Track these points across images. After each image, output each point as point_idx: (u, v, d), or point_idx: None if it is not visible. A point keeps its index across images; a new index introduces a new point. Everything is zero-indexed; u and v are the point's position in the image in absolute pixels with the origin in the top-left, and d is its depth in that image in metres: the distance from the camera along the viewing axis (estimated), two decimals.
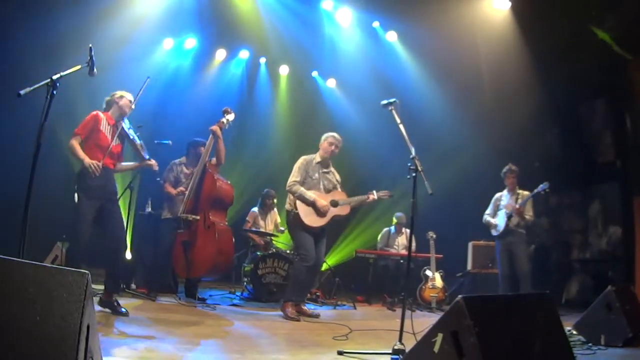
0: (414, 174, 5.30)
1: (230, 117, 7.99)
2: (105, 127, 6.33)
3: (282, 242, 10.40)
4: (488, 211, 9.51)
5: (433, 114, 11.66)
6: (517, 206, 8.97)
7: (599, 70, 10.36)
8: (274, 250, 9.43)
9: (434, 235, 10.03)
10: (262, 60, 13.40)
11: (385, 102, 5.89)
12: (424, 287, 9.79)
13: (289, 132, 13.44)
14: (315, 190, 7.64)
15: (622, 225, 10.32)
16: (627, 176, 10.25)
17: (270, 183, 10.93)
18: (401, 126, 5.64)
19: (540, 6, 10.17)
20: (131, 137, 6.54)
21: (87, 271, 3.22)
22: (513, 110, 11.11)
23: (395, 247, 10.89)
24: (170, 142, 8.20)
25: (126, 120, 6.56)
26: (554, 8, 9.88)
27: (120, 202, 8.79)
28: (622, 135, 10.46)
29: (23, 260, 3.17)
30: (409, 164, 5.41)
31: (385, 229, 11.16)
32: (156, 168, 6.93)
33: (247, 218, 10.27)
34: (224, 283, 10.13)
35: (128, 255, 9.00)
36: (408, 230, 10.86)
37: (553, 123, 11.82)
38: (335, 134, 7.89)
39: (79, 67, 5.15)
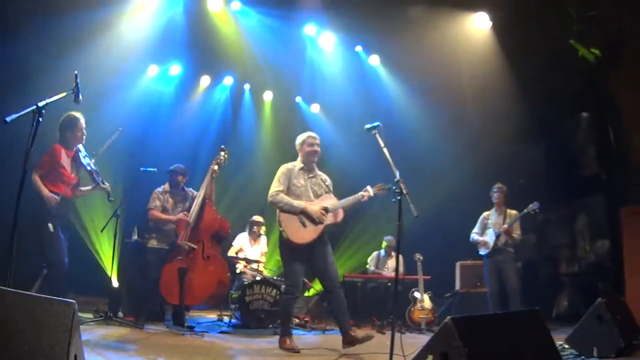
0: (399, 197, 5.34)
1: (226, 155, 8.21)
2: (65, 161, 6.61)
3: (269, 268, 10.36)
4: (475, 230, 9.55)
5: (418, 135, 11.72)
6: (506, 226, 9.02)
7: (580, 85, 10.49)
8: (261, 276, 9.31)
9: (422, 257, 10.05)
10: (247, 86, 13.42)
11: (369, 126, 5.97)
12: (412, 308, 9.79)
13: (274, 158, 13.36)
14: (305, 199, 6.82)
15: (610, 237, 10.39)
16: (613, 188, 10.33)
17: (261, 210, 10.89)
18: (385, 150, 5.69)
19: (521, 23, 10.30)
20: (86, 165, 6.67)
21: (73, 300, 3.22)
22: (497, 128, 11.19)
23: (385, 269, 10.91)
24: (155, 169, 8.23)
25: (82, 148, 6.69)
26: (534, 24, 10.03)
27: (107, 231, 8.85)
28: (606, 148, 10.55)
29: (11, 289, 3.17)
30: (394, 187, 5.46)
31: (375, 252, 11.21)
32: (109, 190, 7.15)
33: (233, 243, 10.20)
34: (211, 310, 10.08)
35: (114, 283, 8.97)
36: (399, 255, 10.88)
37: (537, 139, 11.90)
38: (310, 133, 7.28)
39: (64, 94, 5.15)
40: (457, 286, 10.65)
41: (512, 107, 10.91)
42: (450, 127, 11.77)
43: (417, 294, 9.88)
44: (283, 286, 7.47)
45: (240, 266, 9.72)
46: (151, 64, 11.74)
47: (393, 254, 11.02)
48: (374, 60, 12.47)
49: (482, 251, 9.31)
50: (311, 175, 7.08)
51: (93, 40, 9.71)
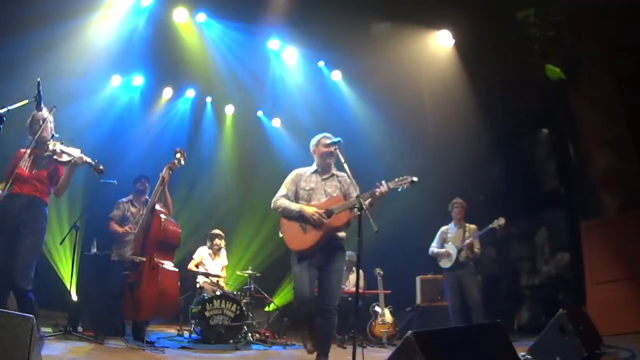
0: (358, 213, 5.36)
1: (182, 159, 7.87)
2: (24, 161, 5.95)
3: (230, 283, 10.30)
4: (434, 244, 9.55)
5: (378, 151, 11.80)
6: (470, 240, 9.08)
7: (540, 102, 10.65)
8: (221, 291, 9.16)
9: (382, 272, 10.11)
10: (208, 99, 13.40)
11: (329, 141, 5.99)
12: (374, 323, 9.83)
13: (235, 171, 13.46)
14: (315, 203, 6.11)
15: (570, 250, 10.55)
16: (572, 202, 10.53)
17: (220, 223, 10.83)
18: (345, 165, 5.71)
19: (482, 41, 10.46)
20: (54, 155, 5.94)
21: (32, 315, 3.12)
22: (457, 144, 11.36)
23: (346, 284, 10.89)
24: (115, 181, 8.11)
25: (52, 143, 5.98)
26: (495, 42, 10.20)
27: (66, 242, 8.70)
28: (566, 163, 10.76)
29: None
30: (355, 205, 5.49)
31: None
32: (81, 161, 6.02)
33: (194, 256, 10.09)
34: (171, 324, 9.97)
35: (74, 296, 8.83)
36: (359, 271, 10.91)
37: (497, 155, 12.04)
38: (325, 133, 6.35)
39: (26, 101, 5.05)
40: (418, 300, 10.68)
41: (472, 123, 11.07)
42: (411, 143, 11.87)
43: (377, 309, 9.93)
44: None
45: (200, 280, 9.63)
46: (114, 74, 11.65)
47: (353, 268, 11.00)
48: (336, 75, 12.58)
49: (444, 264, 9.32)
50: (326, 177, 6.31)
51: (56, 48, 9.60)
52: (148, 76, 12.05)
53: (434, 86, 11.41)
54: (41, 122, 5.85)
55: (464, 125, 11.14)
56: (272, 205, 6.25)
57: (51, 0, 8.99)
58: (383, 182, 5.90)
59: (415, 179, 5.93)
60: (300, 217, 6.00)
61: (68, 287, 8.74)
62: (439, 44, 11.30)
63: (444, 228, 9.59)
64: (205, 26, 11.43)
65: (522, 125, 11.45)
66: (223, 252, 10.28)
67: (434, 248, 9.52)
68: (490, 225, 9.06)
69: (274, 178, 6.48)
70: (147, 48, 11.13)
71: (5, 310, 3.10)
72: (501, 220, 8.99)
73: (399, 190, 5.94)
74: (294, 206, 6.06)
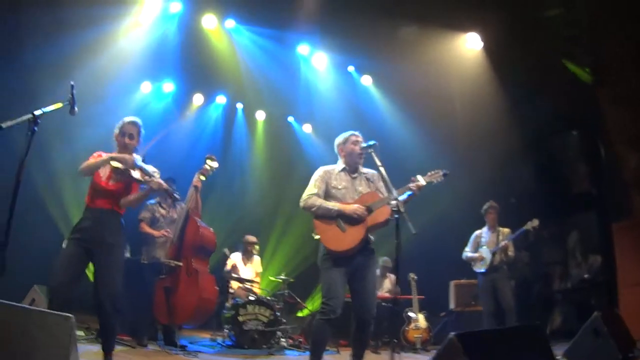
0: (396, 216, 5.26)
1: (214, 164, 7.83)
2: (103, 170, 5.67)
3: (262, 288, 10.26)
4: (468, 248, 9.43)
5: (409, 154, 11.70)
6: (505, 242, 8.96)
7: (569, 103, 10.53)
8: (254, 296, 9.14)
9: (415, 277, 10.03)
10: (239, 105, 13.42)
11: (364, 145, 5.88)
12: (407, 328, 9.75)
13: (267, 177, 13.46)
14: (348, 202, 5.85)
15: (602, 253, 10.40)
16: (603, 204, 10.37)
17: (253, 229, 10.81)
18: (382, 168, 5.63)
19: (511, 43, 10.38)
20: (130, 173, 5.64)
21: (70, 314, 3.05)
22: (488, 147, 11.25)
23: (380, 290, 10.85)
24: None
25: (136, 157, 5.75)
26: (524, 44, 10.11)
27: None
28: (596, 164, 10.60)
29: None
30: (392, 207, 5.41)
31: None
32: (155, 186, 5.68)
33: (227, 262, 10.08)
34: (204, 330, 9.97)
35: None
36: (392, 275, 10.88)
37: (527, 157, 11.92)
38: (353, 131, 6.20)
39: (60, 104, 4.98)
40: (452, 305, 10.61)
41: (502, 126, 10.95)
42: (441, 146, 11.77)
43: (411, 314, 9.85)
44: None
45: (234, 286, 9.61)
46: (144, 81, 11.72)
47: (387, 274, 10.96)
48: (366, 80, 12.53)
49: (478, 268, 9.20)
50: (355, 176, 6.11)
51: (88, 55, 9.67)
52: (178, 83, 12.11)
53: (464, 89, 11.36)
54: (129, 138, 5.69)
55: (493, 128, 11.02)
56: (301, 205, 5.92)
57: (82, 7, 9.03)
58: (418, 176, 5.78)
59: (447, 171, 5.88)
60: (339, 216, 5.72)
61: None
62: (468, 46, 11.21)
63: (477, 232, 9.47)
64: (235, 32, 11.43)
65: (552, 126, 11.33)
66: (256, 258, 10.25)
67: (467, 252, 9.40)
68: (524, 227, 8.93)
69: (306, 183, 6.33)
70: (176, 55, 11.19)
71: (43, 310, 3.04)
72: (535, 222, 8.85)
73: (434, 183, 5.83)
74: (331, 205, 5.76)
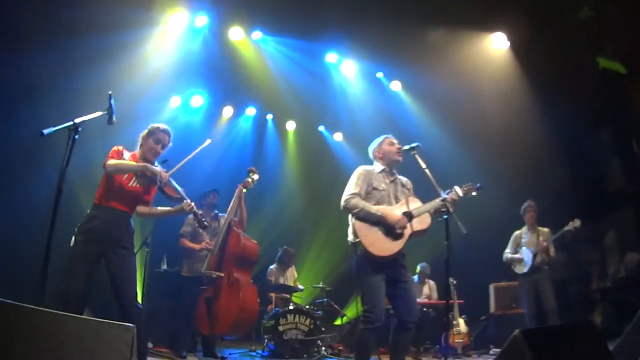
0: (445, 217, 5.23)
1: (255, 176, 7.99)
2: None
3: (301, 296, 10.23)
4: (508, 249, 9.30)
5: (443, 158, 11.61)
6: (545, 243, 8.82)
7: (600, 100, 10.43)
8: (294, 305, 9.13)
9: (455, 281, 9.94)
10: (269, 116, 13.42)
11: (407, 147, 5.85)
12: (448, 333, 9.64)
13: (300, 187, 13.44)
14: (386, 206, 5.79)
15: None
16: None
17: (288, 239, 10.81)
18: (427, 171, 5.58)
19: (538, 42, 10.32)
20: (160, 183, 5.55)
21: (132, 325, 3.00)
22: (520, 148, 11.20)
23: (420, 296, 10.79)
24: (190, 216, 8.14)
25: (156, 165, 5.72)
26: (550, 42, 10.04)
27: (138, 259, 8.73)
28: (631, 161, 10.48)
29: (55, 311, 2.87)
30: (448, 192, 5.38)
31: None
32: (189, 210, 5.69)
33: (268, 276, 10.14)
34: (243, 341, 9.94)
35: None
36: (431, 282, 10.84)
37: (560, 157, 11.79)
38: (388, 135, 6.24)
39: (99, 113, 5.00)
40: (492, 308, 10.50)
41: (534, 126, 10.95)
42: (474, 149, 11.71)
43: (452, 318, 9.76)
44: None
45: (272, 295, 9.61)
46: (173, 95, 11.77)
47: (426, 280, 10.92)
48: (396, 86, 12.49)
49: (519, 270, 9.04)
50: (393, 179, 6.06)
51: (119, 80, 9.71)
52: (207, 96, 12.11)
53: (493, 90, 11.28)
54: (160, 146, 5.71)
55: (525, 129, 11.00)
56: (343, 204, 5.78)
57: (110, 31, 9.09)
58: (456, 187, 5.79)
59: (480, 185, 5.88)
60: (380, 222, 5.60)
61: None
62: (495, 46, 11.19)
63: (517, 232, 9.34)
64: (262, 43, 11.46)
65: (583, 124, 11.22)
66: (293, 268, 10.28)
67: (508, 254, 9.26)
68: (566, 228, 8.77)
69: (339, 192, 6.25)
70: (204, 68, 11.24)
71: (101, 320, 2.99)
72: (576, 222, 8.70)
73: (468, 196, 5.81)
74: (374, 209, 5.64)
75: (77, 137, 4.61)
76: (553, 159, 11.74)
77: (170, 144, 5.82)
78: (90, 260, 5.31)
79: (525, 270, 8.93)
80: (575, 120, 11.02)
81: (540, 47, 10.36)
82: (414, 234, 5.66)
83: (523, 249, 9.09)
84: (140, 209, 5.75)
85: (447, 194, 5.69)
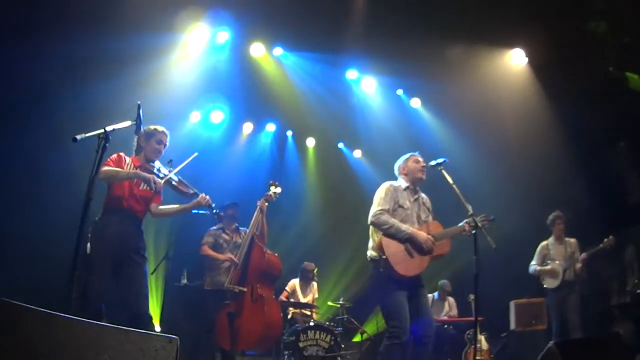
0: (473, 232, 5.25)
1: (277, 190, 8.01)
2: (129, 169, 5.71)
3: (320, 313, 10.21)
4: (534, 262, 9.19)
5: (463, 174, 11.58)
6: (585, 255, 8.84)
7: (618, 114, 10.38)
8: (314, 321, 9.14)
9: (474, 297, 9.91)
10: (289, 133, 13.42)
11: (434, 163, 5.93)
12: (469, 350, 9.59)
13: (321, 204, 13.40)
14: (409, 225, 5.85)
15: None
16: None
17: (307, 254, 10.81)
18: (454, 186, 5.63)
19: (556, 56, 10.34)
20: (162, 176, 5.75)
21: (175, 336, 2.97)
22: (539, 162, 11.19)
23: (440, 313, 10.75)
24: (206, 211, 8.15)
25: (157, 163, 5.90)
26: (568, 56, 10.03)
27: (158, 273, 8.75)
28: None
29: (94, 322, 2.85)
30: (468, 221, 5.39)
31: (429, 295, 10.96)
32: (206, 203, 5.90)
33: (286, 287, 10.12)
34: (263, 355, 9.91)
35: (157, 327, 8.87)
36: (451, 298, 10.82)
37: (579, 171, 11.72)
38: (413, 152, 6.36)
39: (129, 123, 5.07)
40: (512, 325, 10.38)
41: (553, 141, 10.97)
42: (495, 164, 11.70)
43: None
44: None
45: (292, 311, 9.58)
46: (194, 111, 11.77)
47: (447, 297, 10.89)
48: (416, 102, 12.51)
49: (549, 284, 8.96)
50: (416, 197, 6.18)
51: (138, 89, 9.73)
52: (228, 112, 12.11)
53: (512, 105, 11.30)
54: (160, 146, 5.86)
55: (544, 143, 11.02)
56: (372, 220, 5.86)
57: (131, 42, 9.14)
58: (473, 217, 5.82)
59: (494, 217, 6.07)
60: (409, 240, 5.71)
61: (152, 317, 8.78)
62: (513, 62, 11.27)
63: (543, 244, 9.26)
64: (283, 59, 11.53)
65: (601, 138, 11.16)
66: (314, 284, 10.25)
67: (536, 266, 9.14)
68: (601, 245, 8.74)
69: (359, 209, 6.26)
70: (225, 84, 11.28)
71: (143, 330, 2.97)
72: (611, 240, 8.68)
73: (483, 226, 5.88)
74: (404, 227, 5.73)
75: (107, 145, 4.66)
76: (572, 173, 11.70)
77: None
78: (109, 265, 5.39)
79: (555, 285, 8.87)
80: (593, 134, 10.99)
81: (558, 62, 10.39)
82: (435, 257, 5.87)
83: (553, 261, 9.01)
84: (155, 209, 5.87)
85: (467, 222, 5.87)
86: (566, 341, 3.60)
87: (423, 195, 6.31)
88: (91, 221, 5.47)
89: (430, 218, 6.18)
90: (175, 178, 5.86)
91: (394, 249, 5.70)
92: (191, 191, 5.90)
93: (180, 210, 6.03)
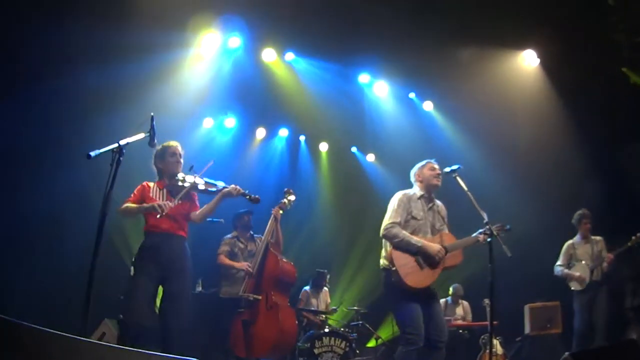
0: (489, 240, 5.24)
1: (292, 197, 8.02)
2: (155, 194, 5.84)
3: (334, 319, 10.20)
4: (560, 262, 8.97)
5: (476, 178, 11.54)
6: (612, 255, 8.62)
7: (631, 113, 10.32)
8: (329, 328, 9.12)
9: (489, 302, 9.88)
10: (302, 137, 13.42)
11: (448, 169, 5.92)
12: (484, 355, 9.55)
13: (335, 209, 13.38)
14: (421, 235, 5.89)
15: None
16: None
17: (320, 260, 10.80)
18: (469, 193, 5.62)
19: (567, 56, 10.37)
20: (188, 185, 5.73)
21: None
22: (552, 163, 11.17)
23: (454, 317, 10.72)
24: (222, 220, 8.16)
25: (180, 174, 5.84)
26: (581, 56, 10.04)
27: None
28: None
29: (115, 346, 2.87)
30: (483, 230, 5.38)
31: (442, 300, 10.93)
32: (237, 193, 5.95)
33: (300, 297, 10.15)
34: None
35: None
36: (465, 302, 10.79)
37: (592, 171, 11.65)
38: (429, 159, 6.32)
39: (142, 135, 5.08)
40: (527, 329, 10.33)
41: (567, 141, 10.96)
42: (508, 166, 11.67)
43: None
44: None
45: (307, 318, 9.57)
46: (206, 117, 11.79)
47: (460, 301, 10.86)
48: (428, 106, 12.51)
49: (576, 287, 8.72)
50: (430, 205, 6.17)
51: (152, 87, 9.76)
52: (240, 117, 12.13)
53: (525, 107, 11.32)
54: (177, 158, 5.89)
55: (557, 143, 11.03)
56: (383, 233, 5.89)
57: (143, 36, 9.16)
58: (489, 226, 5.81)
59: (510, 227, 6.08)
60: (419, 253, 5.73)
61: None
62: (525, 63, 11.30)
63: (569, 243, 9.04)
64: (294, 64, 11.55)
65: (617, 138, 11.09)
66: (325, 290, 10.25)
67: (562, 267, 8.91)
68: (629, 244, 8.55)
69: (373, 213, 6.26)
70: (237, 89, 11.29)
71: (171, 355, 2.97)
72: (639, 238, 8.46)
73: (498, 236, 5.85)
74: (414, 240, 5.74)
75: (121, 159, 4.67)
76: (586, 173, 11.64)
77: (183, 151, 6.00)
78: (150, 288, 5.52)
79: (582, 287, 8.66)
80: (607, 134, 10.94)
81: (570, 63, 10.40)
82: (447, 268, 5.87)
83: (579, 263, 8.80)
84: (195, 216, 5.96)
85: (480, 233, 5.88)
86: (582, 351, 3.54)
87: (438, 202, 6.30)
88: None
89: (445, 227, 6.15)
90: (201, 181, 5.85)
91: (404, 260, 5.73)
92: (220, 187, 5.94)
93: (214, 204, 6.01)
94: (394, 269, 5.72)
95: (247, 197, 6.06)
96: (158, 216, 5.50)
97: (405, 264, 5.71)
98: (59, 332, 2.63)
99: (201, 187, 5.84)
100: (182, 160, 5.93)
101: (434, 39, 10.18)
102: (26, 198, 8.57)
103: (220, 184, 5.98)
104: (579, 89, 10.45)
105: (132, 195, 5.82)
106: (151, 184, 5.93)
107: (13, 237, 8.39)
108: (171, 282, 5.64)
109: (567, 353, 3.41)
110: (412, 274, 5.68)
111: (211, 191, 5.92)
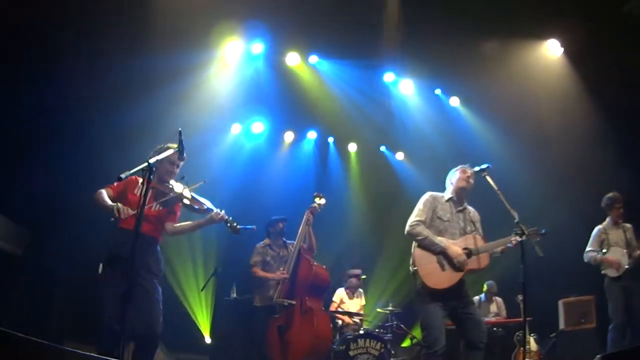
0: (520, 239, 5.24)
1: (322, 201, 8.01)
2: (139, 191, 5.39)
3: (369, 320, 10.24)
4: (590, 247, 8.38)
5: (505, 172, 11.48)
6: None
7: None
8: (364, 329, 9.16)
9: (521, 298, 9.85)
10: (330, 139, 13.45)
11: (477, 169, 5.91)
12: (518, 352, 9.52)
13: (366, 209, 13.38)
14: (448, 236, 5.91)
15: None
16: None
17: (354, 261, 10.83)
18: (499, 192, 5.61)
19: (592, 44, 10.28)
20: (173, 194, 5.64)
21: None
22: (579, 154, 11.05)
23: (488, 314, 10.68)
24: (254, 227, 8.16)
25: (172, 182, 5.78)
26: (604, 45, 10.00)
27: (208, 289, 8.82)
28: None
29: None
30: (515, 230, 5.37)
31: (476, 297, 10.88)
32: (219, 219, 5.73)
33: (334, 298, 10.18)
34: None
35: (207, 339, 8.93)
36: (499, 299, 10.74)
37: (622, 160, 11.50)
38: (464, 165, 6.29)
39: (171, 151, 5.19)
40: (562, 325, 10.24)
41: (592, 131, 10.87)
42: (536, 158, 11.65)
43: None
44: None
45: (341, 321, 9.61)
46: (234, 123, 11.90)
47: (494, 298, 10.83)
48: (454, 101, 12.48)
49: (611, 273, 8.12)
50: (460, 209, 6.16)
51: (179, 104, 9.89)
52: (268, 122, 12.23)
53: (550, 97, 11.21)
54: (173, 166, 5.75)
55: (585, 134, 10.94)
56: (407, 230, 5.94)
57: (168, 60, 9.24)
58: (519, 225, 5.70)
59: (545, 231, 5.86)
60: (442, 253, 5.75)
61: (202, 331, 8.83)
62: (549, 53, 11.23)
63: (600, 227, 8.47)
64: (319, 67, 11.62)
65: None
66: (360, 291, 10.28)
67: (593, 252, 8.33)
68: None
69: (405, 212, 6.26)
70: (263, 94, 11.39)
71: None
72: None
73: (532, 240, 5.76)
74: (437, 240, 5.77)
75: (152, 177, 4.74)
76: (615, 163, 11.50)
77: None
78: (121, 289, 5.03)
79: (620, 273, 8.03)
80: (634, 122, 10.81)
81: (594, 51, 10.33)
82: (472, 271, 5.80)
83: (613, 248, 8.21)
84: (170, 227, 5.86)
85: (512, 236, 5.77)
86: (613, 353, 3.53)
87: (471, 208, 6.28)
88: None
89: (476, 233, 6.07)
90: (189, 195, 5.75)
91: (425, 260, 5.79)
92: (205, 207, 5.82)
93: (194, 226, 5.96)
94: (415, 268, 5.82)
95: (228, 224, 5.86)
96: (112, 219, 5.32)
97: (427, 264, 5.76)
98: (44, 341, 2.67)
99: (186, 201, 5.74)
100: (177, 171, 5.83)
101: (457, 33, 10.16)
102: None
103: (207, 203, 5.86)
104: (604, 76, 10.32)
105: (115, 183, 5.65)
106: (140, 180, 5.51)
107: None
108: (144, 285, 5.46)
109: (598, 356, 3.40)
110: (433, 274, 5.72)
111: (195, 208, 5.82)
